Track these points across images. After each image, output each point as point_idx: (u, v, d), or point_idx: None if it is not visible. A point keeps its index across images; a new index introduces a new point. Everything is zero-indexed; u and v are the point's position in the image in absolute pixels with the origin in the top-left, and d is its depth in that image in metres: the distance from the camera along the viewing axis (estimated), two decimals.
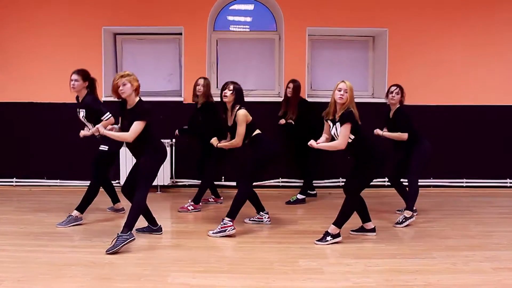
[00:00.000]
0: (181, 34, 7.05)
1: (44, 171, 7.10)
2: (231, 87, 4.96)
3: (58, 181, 7.09)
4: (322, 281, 3.72)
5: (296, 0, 6.97)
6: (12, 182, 7.11)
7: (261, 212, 5.35)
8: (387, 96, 5.52)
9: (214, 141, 5.15)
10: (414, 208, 5.46)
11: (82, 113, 5.13)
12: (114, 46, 7.34)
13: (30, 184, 7.08)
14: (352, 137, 4.52)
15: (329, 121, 4.67)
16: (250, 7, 7.46)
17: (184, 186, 7.07)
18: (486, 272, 3.89)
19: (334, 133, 4.61)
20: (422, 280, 3.72)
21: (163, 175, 6.73)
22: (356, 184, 4.63)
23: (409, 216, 5.28)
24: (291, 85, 6.35)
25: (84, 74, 5.10)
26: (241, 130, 4.90)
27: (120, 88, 4.39)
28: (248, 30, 7.54)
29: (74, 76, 5.06)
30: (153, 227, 4.91)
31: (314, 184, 6.75)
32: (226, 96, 4.96)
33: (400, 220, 5.25)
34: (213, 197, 6.33)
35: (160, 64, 7.44)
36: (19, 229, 5.00)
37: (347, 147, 4.54)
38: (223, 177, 6.86)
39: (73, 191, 6.82)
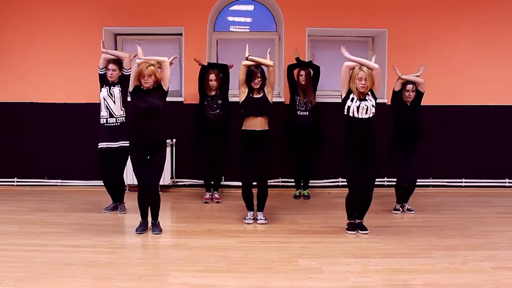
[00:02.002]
0: (181, 34, 7.05)
1: (45, 171, 7.09)
2: (259, 74, 5.17)
3: (59, 181, 7.08)
4: (322, 280, 3.72)
5: (296, 0, 6.96)
6: (13, 182, 7.10)
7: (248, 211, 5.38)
8: (403, 93, 5.60)
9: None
10: (411, 207, 5.78)
11: (118, 90, 5.47)
12: (114, 47, 7.33)
13: (31, 184, 7.07)
14: (374, 110, 4.70)
15: (355, 98, 4.73)
16: (250, 7, 7.45)
17: (184, 185, 7.06)
18: (485, 272, 3.89)
19: (363, 106, 4.67)
20: (421, 279, 3.72)
21: (164, 175, 6.69)
22: (374, 180, 4.88)
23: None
24: (303, 72, 6.38)
25: (120, 64, 5.54)
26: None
27: (146, 79, 4.66)
28: (248, 30, 7.54)
29: (112, 66, 5.47)
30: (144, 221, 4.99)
31: (312, 184, 6.77)
32: (257, 83, 5.18)
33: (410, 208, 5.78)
34: (209, 193, 6.34)
35: None
36: (20, 228, 5.00)
37: (367, 120, 4.69)
38: (223, 177, 6.85)
39: (73, 191, 6.83)
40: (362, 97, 4.71)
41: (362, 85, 4.64)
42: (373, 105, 4.71)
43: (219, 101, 6.16)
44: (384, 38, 7.01)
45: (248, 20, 7.54)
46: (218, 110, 6.16)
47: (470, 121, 7.06)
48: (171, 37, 7.34)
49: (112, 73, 5.47)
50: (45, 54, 6.98)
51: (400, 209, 5.77)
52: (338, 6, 6.96)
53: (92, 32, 6.88)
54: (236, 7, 7.41)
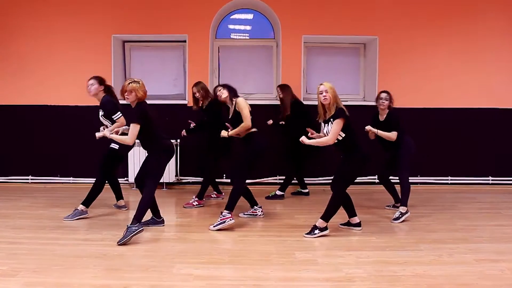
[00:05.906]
0: (185, 41, 7.05)
1: (58, 169, 7.10)
2: (220, 87, 5.15)
3: (70, 178, 7.09)
4: (316, 272, 3.72)
5: (292, 9, 6.98)
6: (28, 179, 7.11)
7: (255, 207, 5.36)
8: (377, 101, 5.51)
9: (224, 133, 5.10)
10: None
11: (100, 113, 5.23)
12: (123, 53, 7.34)
13: (44, 181, 7.07)
14: (343, 134, 4.51)
15: (322, 122, 4.67)
16: (250, 16, 7.46)
17: (188, 183, 7.07)
18: (469, 263, 3.89)
19: (327, 131, 4.59)
20: (409, 271, 3.72)
21: (169, 173, 6.73)
22: (341, 182, 4.60)
23: (404, 211, 5.22)
24: (278, 89, 6.38)
25: (99, 79, 5.24)
26: (246, 112, 4.89)
27: (126, 94, 4.51)
28: (248, 38, 7.54)
29: (91, 81, 5.20)
30: (157, 219, 4.94)
31: (307, 182, 6.76)
32: (221, 96, 5.09)
33: (397, 216, 5.19)
34: (215, 193, 6.34)
35: (165, 69, 7.44)
36: (34, 223, 5.00)
37: (337, 143, 4.54)
38: (224, 175, 6.85)
39: (84, 188, 6.79)
40: (327, 118, 4.56)
41: (324, 97, 4.48)
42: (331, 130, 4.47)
43: (205, 118, 5.93)
44: (375, 45, 7.02)
45: (248, 28, 7.54)
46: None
47: (455, 122, 7.08)
48: (176, 44, 7.34)
49: (91, 88, 5.17)
50: (58, 61, 6.99)
51: (391, 205, 5.76)
52: (332, 15, 6.97)
53: (102, 39, 6.90)
54: (236, 16, 7.42)
